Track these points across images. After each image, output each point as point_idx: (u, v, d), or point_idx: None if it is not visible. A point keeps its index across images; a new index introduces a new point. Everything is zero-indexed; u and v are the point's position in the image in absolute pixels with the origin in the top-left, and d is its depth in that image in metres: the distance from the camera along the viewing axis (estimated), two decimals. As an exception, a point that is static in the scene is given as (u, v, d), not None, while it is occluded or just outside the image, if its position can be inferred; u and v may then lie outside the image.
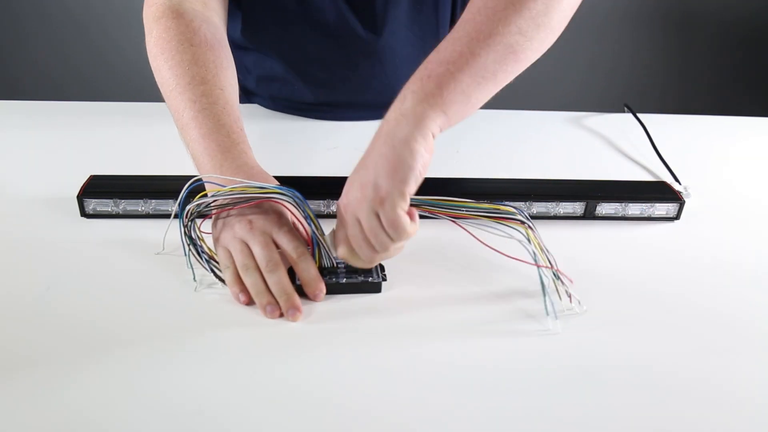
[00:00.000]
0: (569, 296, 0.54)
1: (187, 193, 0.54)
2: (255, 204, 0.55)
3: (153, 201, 0.65)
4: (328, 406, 0.44)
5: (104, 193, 0.64)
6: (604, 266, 0.60)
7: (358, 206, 0.50)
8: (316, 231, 0.54)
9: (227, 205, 0.55)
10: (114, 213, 0.65)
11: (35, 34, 2.04)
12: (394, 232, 0.49)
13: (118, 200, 0.65)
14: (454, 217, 0.53)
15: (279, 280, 0.53)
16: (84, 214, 0.65)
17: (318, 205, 0.66)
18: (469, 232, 0.53)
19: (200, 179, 0.56)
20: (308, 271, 0.54)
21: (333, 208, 0.67)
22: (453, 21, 0.87)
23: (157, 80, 0.64)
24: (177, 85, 0.61)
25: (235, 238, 0.55)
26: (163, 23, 0.64)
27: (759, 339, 0.52)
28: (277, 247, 0.55)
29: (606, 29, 2.10)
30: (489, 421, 0.43)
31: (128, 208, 0.65)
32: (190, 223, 0.55)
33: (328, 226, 0.55)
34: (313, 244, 0.55)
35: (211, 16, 0.68)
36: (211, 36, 0.65)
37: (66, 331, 0.50)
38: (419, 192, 0.50)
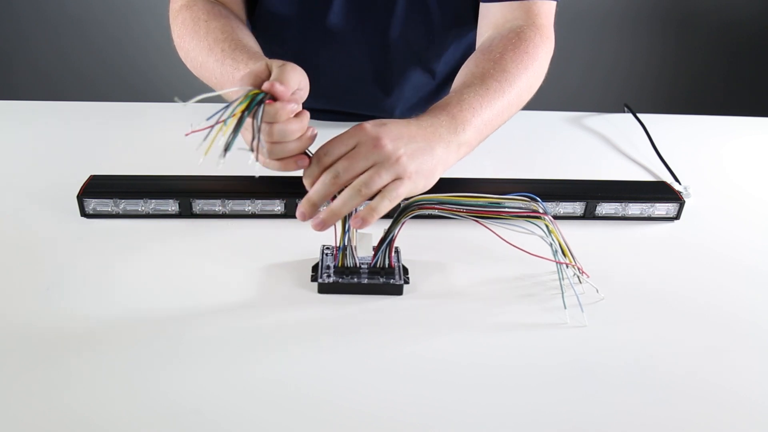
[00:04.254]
0: (593, 288, 0.57)
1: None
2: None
3: (153, 201, 0.65)
4: (339, 406, 0.44)
5: (104, 193, 0.64)
6: (604, 266, 0.60)
7: (379, 140, 0.51)
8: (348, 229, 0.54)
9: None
10: (114, 213, 0.65)
11: (35, 34, 2.04)
12: (372, 180, 0.50)
13: (118, 200, 0.65)
14: (478, 216, 0.53)
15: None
16: (84, 214, 0.65)
17: None
18: (494, 232, 0.54)
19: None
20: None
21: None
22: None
23: (188, 61, 0.72)
24: (200, 51, 0.68)
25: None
26: (180, 17, 0.73)
27: (759, 338, 0.53)
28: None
29: (606, 29, 2.09)
30: (499, 418, 0.43)
31: (128, 208, 0.65)
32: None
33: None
34: (343, 242, 0.55)
35: (224, 4, 0.76)
36: (219, 11, 0.72)
37: (65, 330, 0.50)
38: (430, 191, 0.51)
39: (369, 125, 0.53)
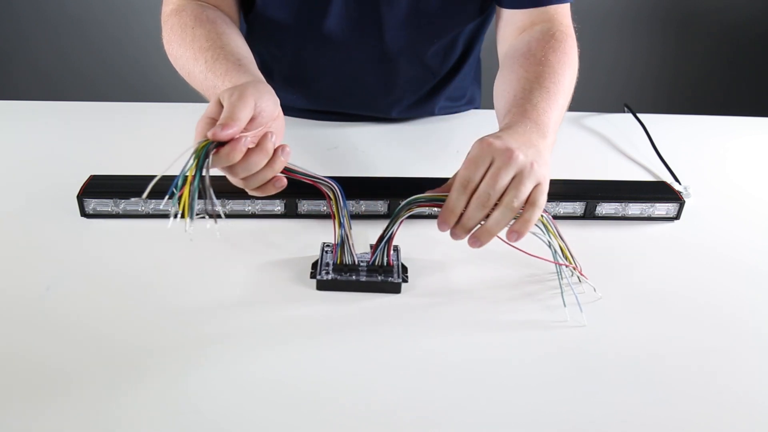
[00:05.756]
0: (592, 287, 0.57)
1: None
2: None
3: (153, 201, 0.65)
4: (337, 403, 0.44)
5: (104, 193, 0.64)
6: (604, 266, 0.60)
7: (512, 151, 0.50)
8: (346, 225, 0.54)
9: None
10: (114, 213, 0.65)
11: (35, 34, 2.04)
12: (519, 193, 0.50)
13: (118, 200, 0.65)
14: None
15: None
16: (84, 214, 0.65)
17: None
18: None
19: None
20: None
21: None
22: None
23: (177, 68, 0.70)
24: (187, 60, 0.66)
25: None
26: (170, 20, 0.71)
27: (759, 338, 0.53)
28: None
29: (606, 29, 2.09)
30: (498, 417, 0.43)
31: (128, 208, 0.65)
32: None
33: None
34: (340, 237, 0.55)
35: (217, 6, 0.73)
36: (207, 16, 0.70)
37: (65, 331, 0.50)
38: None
39: (491, 139, 0.52)
